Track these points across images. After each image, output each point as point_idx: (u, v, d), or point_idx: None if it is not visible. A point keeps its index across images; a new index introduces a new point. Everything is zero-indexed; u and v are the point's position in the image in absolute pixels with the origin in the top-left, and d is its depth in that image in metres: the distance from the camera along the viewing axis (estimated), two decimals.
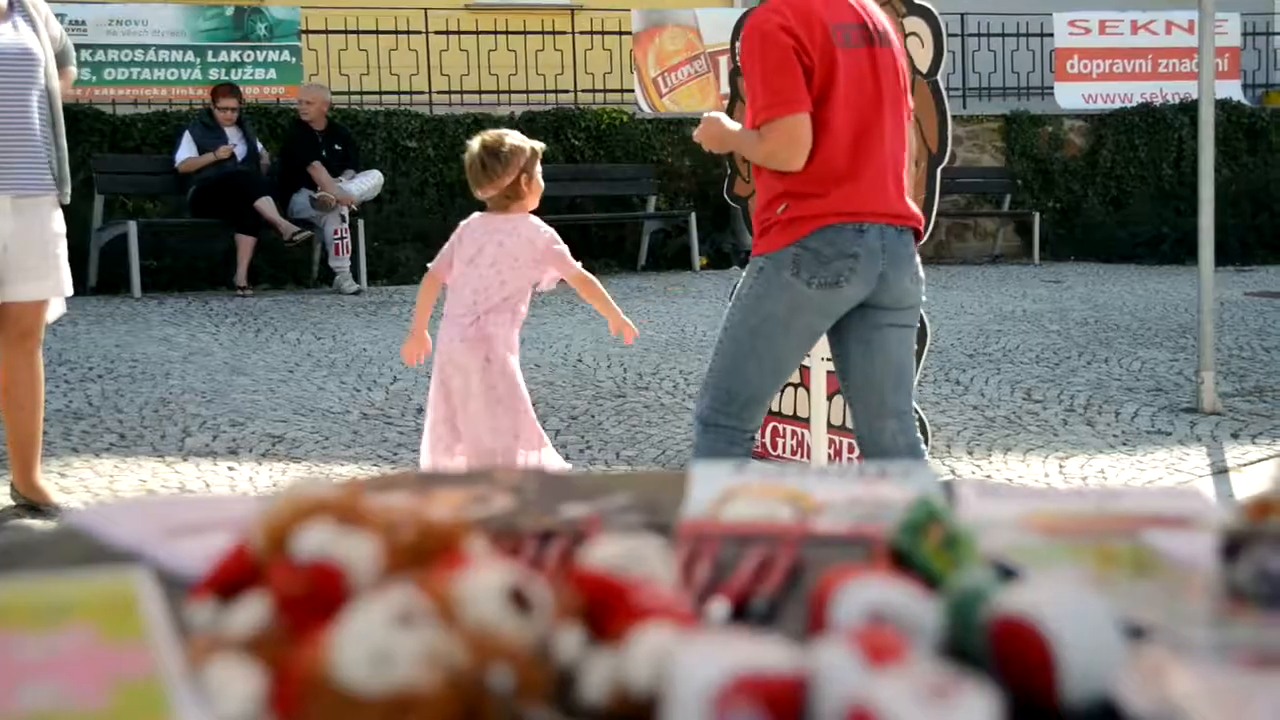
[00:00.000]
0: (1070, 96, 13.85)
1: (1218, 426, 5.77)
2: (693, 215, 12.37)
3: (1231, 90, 13.84)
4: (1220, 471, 5.02)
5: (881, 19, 3.45)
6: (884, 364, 3.44)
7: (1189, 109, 12.30)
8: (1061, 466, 5.00)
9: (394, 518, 0.87)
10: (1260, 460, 5.11)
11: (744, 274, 3.50)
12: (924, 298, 3.51)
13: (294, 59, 12.44)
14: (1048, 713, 0.73)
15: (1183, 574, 0.96)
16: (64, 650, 0.86)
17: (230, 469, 5.18)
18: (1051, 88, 14.03)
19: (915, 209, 3.47)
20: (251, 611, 0.79)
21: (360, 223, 10.76)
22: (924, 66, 4.23)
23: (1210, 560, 0.91)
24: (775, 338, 3.36)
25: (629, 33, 13.26)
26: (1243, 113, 13.69)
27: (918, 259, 3.45)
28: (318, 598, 0.78)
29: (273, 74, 12.37)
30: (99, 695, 0.78)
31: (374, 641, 0.68)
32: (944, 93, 4.25)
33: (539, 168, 4.45)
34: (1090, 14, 13.72)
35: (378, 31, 12.76)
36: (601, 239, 12.68)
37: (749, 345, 3.38)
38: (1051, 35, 13.91)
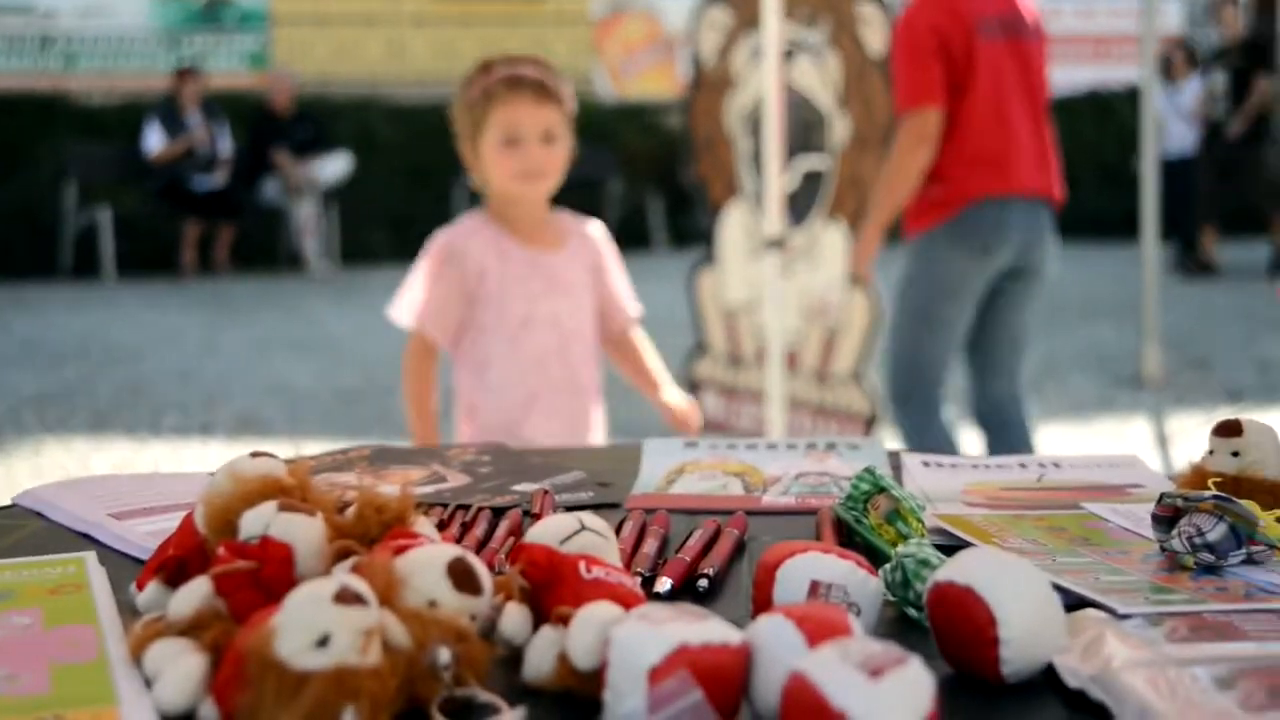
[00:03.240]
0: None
1: (1160, 397, 5.84)
2: (654, 197, 12.37)
3: None
4: (1163, 440, 5.10)
5: (1031, 9, 3.73)
6: (1004, 328, 3.76)
7: (1134, 95, 12.40)
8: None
9: (341, 496, 0.87)
10: (1199, 429, 5.17)
11: (906, 256, 3.76)
12: (1057, 267, 3.80)
13: (263, 47, 12.40)
14: (988, 683, 0.74)
15: (1121, 543, 0.97)
16: (7, 635, 0.85)
17: (202, 449, 5.16)
18: None
19: (1055, 184, 3.76)
20: (196, 593, 0.79)
21: (330, 207, 10.77)
22: (875, 53, 4.25)
23: (1147, 529, 0.92)
24: (944, 306, 3.65)
25: (591, 21, 13.26)
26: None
27: (1051, 231, 3.75)
28: (262, 578, 0.78)
29: (242, 62, 12.34)
30: (41, 680, 0.77)
31: (315, 621, 0.68)
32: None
33: None
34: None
35: (346, 21, 12.73)
36: None
37: (924, 318, 3.67)
38: None
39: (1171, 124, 10.48)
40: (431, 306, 2.43)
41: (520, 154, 2.38)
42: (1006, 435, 3.75)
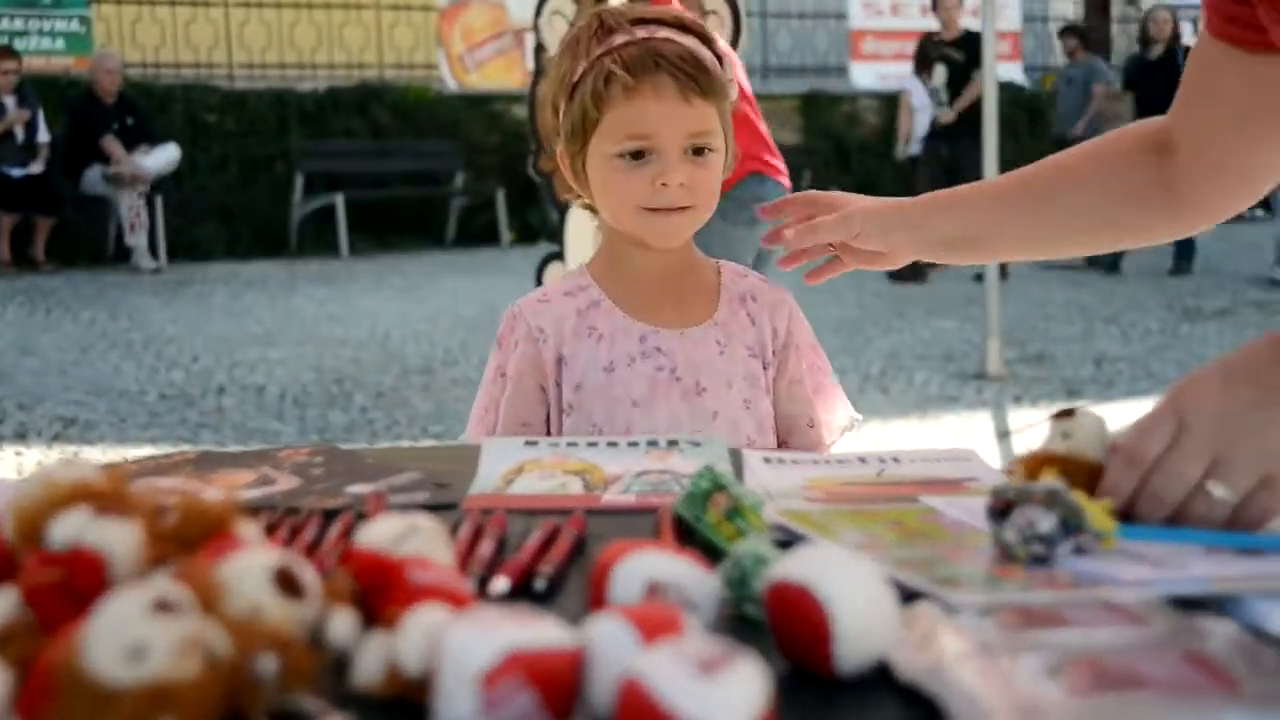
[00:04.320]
0: (865, 76, 14.21)
1: (1002, 391, 6.01)
2: (500, 191, 12.31)
3: (1013, 72, 14.39)
4: (1004, 434, 5.24)
5: None
6: None
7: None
8: (858, 433, 5.11)
9: (159, 502, 0.83)
10: (1039, 422, 5.34)
11: None
12: None
13: (84, 28, 11.95)
14: (824, 679, 0.74)
15: (956, 536, 0.98)
16: None
17: (18, 454, 4.97)
18: (847, 67, 14.37)
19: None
20: (1, 605, 0.75)
21: (158, 199, 10.43)
22: (723, 47, 4.30)
23: (982, 522, 0.94)
24: None
25: (434, 8, 13.10)
26: (1023, 94, 14.22)
27: None
28: (72, 588, 0.74)
29: (60, 44, 11.87)
30: None
31: (128, 632, 0.65)
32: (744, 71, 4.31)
33: None
34: None
35: (174, 2, 12.35)
36: (409, 215, 12.54)
37: None
38: (846, 17, 14.23)
39: (923, 115, 10.69)
40: (479, 414, 1.66)
41: (651, 172, 1.54)
42: None
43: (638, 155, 1.54)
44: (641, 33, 1.56)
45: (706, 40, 1.62)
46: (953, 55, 10.36)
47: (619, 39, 1.56)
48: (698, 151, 1.56)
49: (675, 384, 1.60)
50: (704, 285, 1.68)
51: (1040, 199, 1.43)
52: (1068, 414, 1.02)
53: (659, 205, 1.55)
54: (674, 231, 1.59)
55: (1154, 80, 10.32)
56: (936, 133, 10.31)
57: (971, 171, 10.49)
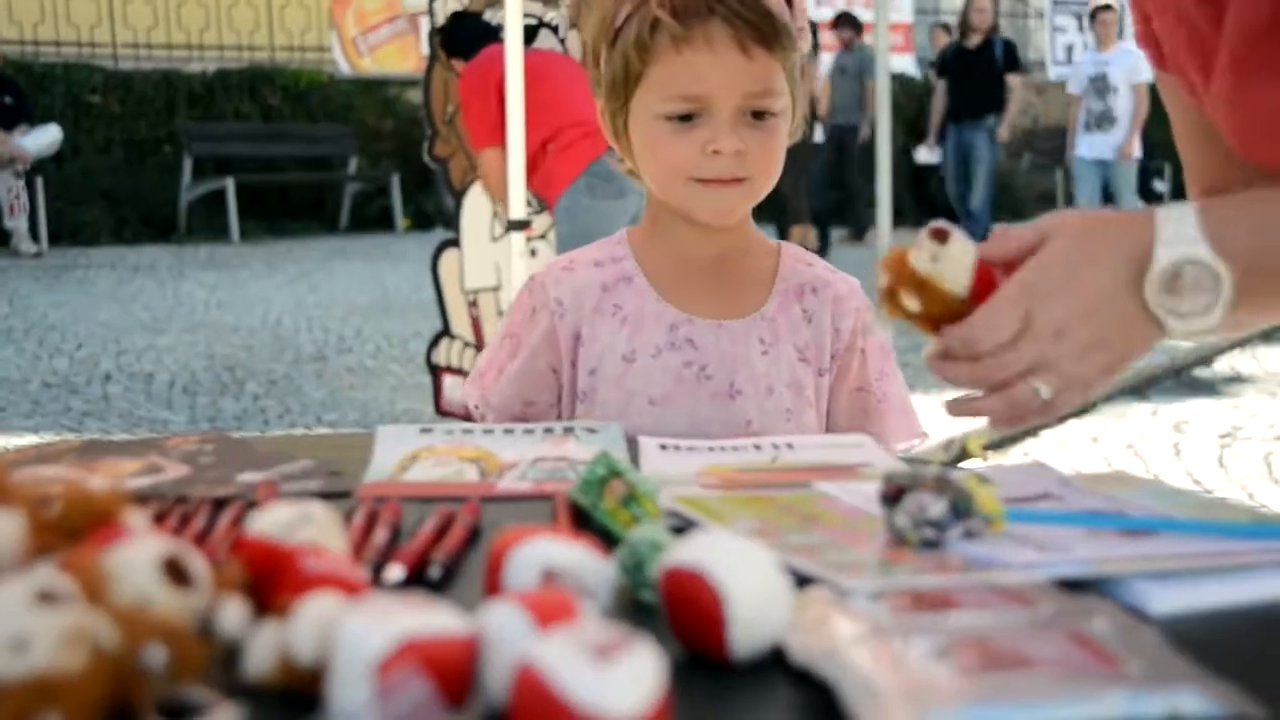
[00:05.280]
0: None
1: None
2: (395, 177, 12.19)
3: (905, 64, 14.57)
4: None
5: None
6: None
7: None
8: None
9: (43, 491, 0.81)
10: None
11: None
12: None
13: None
14: (719, 664, 0.74)
15: (850, 521, 0.99)
16: None
17: None
18: None
19: None
20: None
21: (39, 181, 10.15)
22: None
23: (875, 507, 0.95)
24: None
25: None
26: (915, 85, 14.39)
27: None
28: None
29: None
30: None
31: (11, 624, 0.63)
32: None
33: None
34: None
35: None
36: (301, 200, 12.36)
37: None
38: None
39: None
40: (491, 379, 1.51)
41: (702, 137, 1.35)
42: None
43: (687, 118, 1.35)
44: None
45: None
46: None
47: None
48: (757, 115, 1.35)
49: (703, 383, 1.42)
50: (756, 272, 1.47)
51: None
52: (942, 236, 0.99)
53: (709, 176, 1.35)
54: (726, 207, 1.39)
55: (967, 67, 10.64)
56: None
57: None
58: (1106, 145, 9.55)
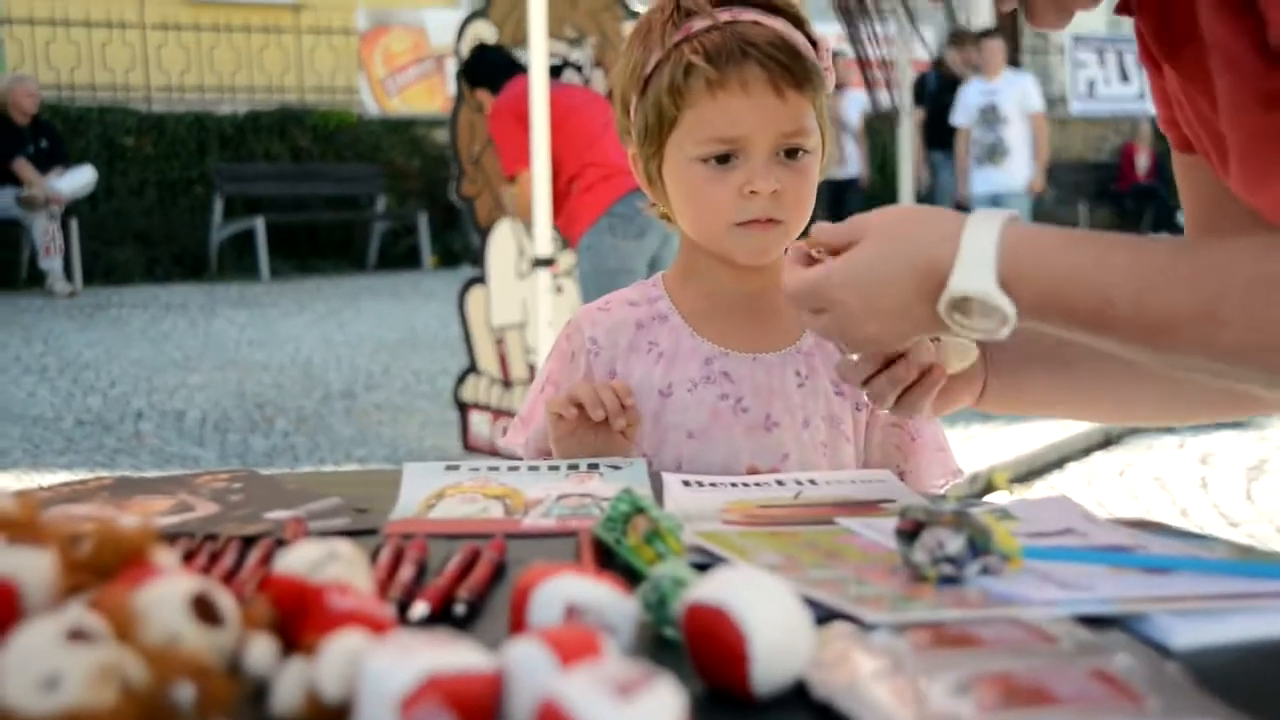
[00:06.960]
0: None
1: None
2: (422, 215, 12.27)
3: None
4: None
5: None
6: None
7: (886, 117, 12.80)
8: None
9: (74, 529, 0.83)
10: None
11: None
12: None
13: None
14: (741, 699, 0.75)
15: (871, 556, 1.00)
16: None
17: None
18: None
19: None
20: None
21: (73, 222, 10.27)
22: None
23: (893, 543, 0.95)
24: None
25: (354, 32, 13.05)
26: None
27: None
28: None
29: None
30: None
31: (42, 662, 0.64)
32: None
33: None
34: None
35: (89, 24, 12.19)
36: (330, 238, 12.45)
37: None
38: None
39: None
40: (522, 416, 1.53)
41: (739, 179, 1.37)
42: None
43: (723, 159, 1.37)
44: (725, 15, 1.36)
45: (799, 22, 1.40)
46: None
47: (699, 24, 1.36)
48: (790, 153, 1.37)
49: (740, 415, 1.42)
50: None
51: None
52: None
53: (746, 218, 1.37)
54: (763, 249, 1.40)
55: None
56: None
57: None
58: (1001, 179, 8.95)
